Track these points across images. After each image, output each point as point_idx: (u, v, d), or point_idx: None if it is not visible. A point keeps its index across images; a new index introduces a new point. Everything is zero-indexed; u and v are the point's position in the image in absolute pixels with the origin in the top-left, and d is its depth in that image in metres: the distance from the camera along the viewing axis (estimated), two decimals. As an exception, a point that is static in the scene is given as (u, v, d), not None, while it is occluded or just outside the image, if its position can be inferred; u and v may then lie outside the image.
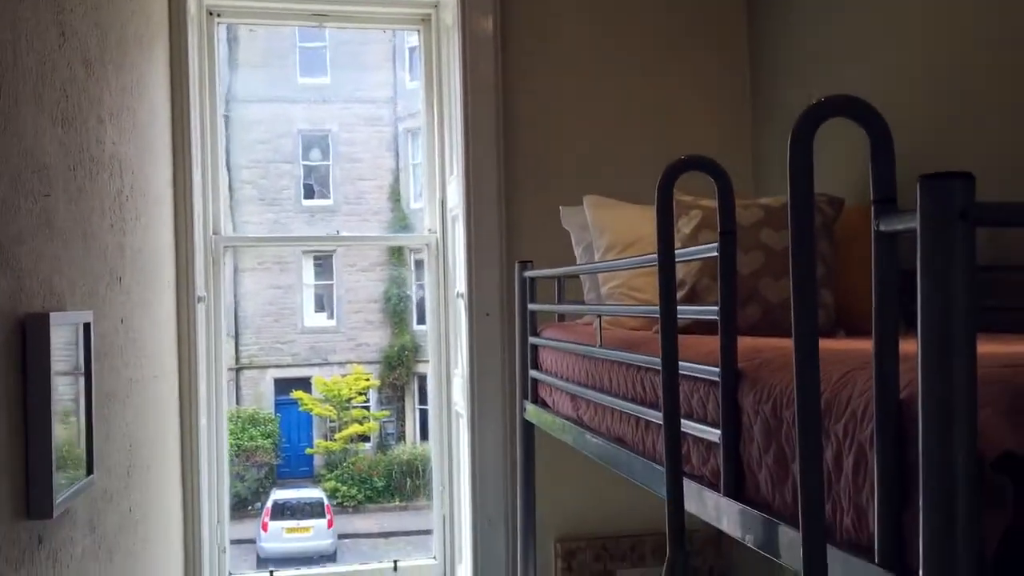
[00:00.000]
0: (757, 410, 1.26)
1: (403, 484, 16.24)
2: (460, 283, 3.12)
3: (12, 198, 1.34)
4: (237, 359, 17.75)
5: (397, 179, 18.59)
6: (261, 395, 18.13)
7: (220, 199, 3.24)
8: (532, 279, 2.52)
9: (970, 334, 0.85)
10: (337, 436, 17.15)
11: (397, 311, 18.34)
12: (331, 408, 17.43)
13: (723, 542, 3.14)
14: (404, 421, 18.18)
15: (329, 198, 18.74)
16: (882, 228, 0.97)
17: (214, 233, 3.15)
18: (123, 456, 2.00)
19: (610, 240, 2.37)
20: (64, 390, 1.46)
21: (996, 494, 0.88)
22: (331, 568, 4.72)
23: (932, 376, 0.86)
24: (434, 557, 3.43)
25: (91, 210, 1.79)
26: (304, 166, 18.71)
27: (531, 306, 2.50)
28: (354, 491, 16.19)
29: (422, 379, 17.29)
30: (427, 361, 3.59)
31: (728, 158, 1.33)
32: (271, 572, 3.30)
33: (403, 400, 18.20)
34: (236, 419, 16.23)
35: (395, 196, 18.63)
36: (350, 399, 17.52)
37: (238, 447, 15.76)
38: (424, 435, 16.78)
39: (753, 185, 3.11)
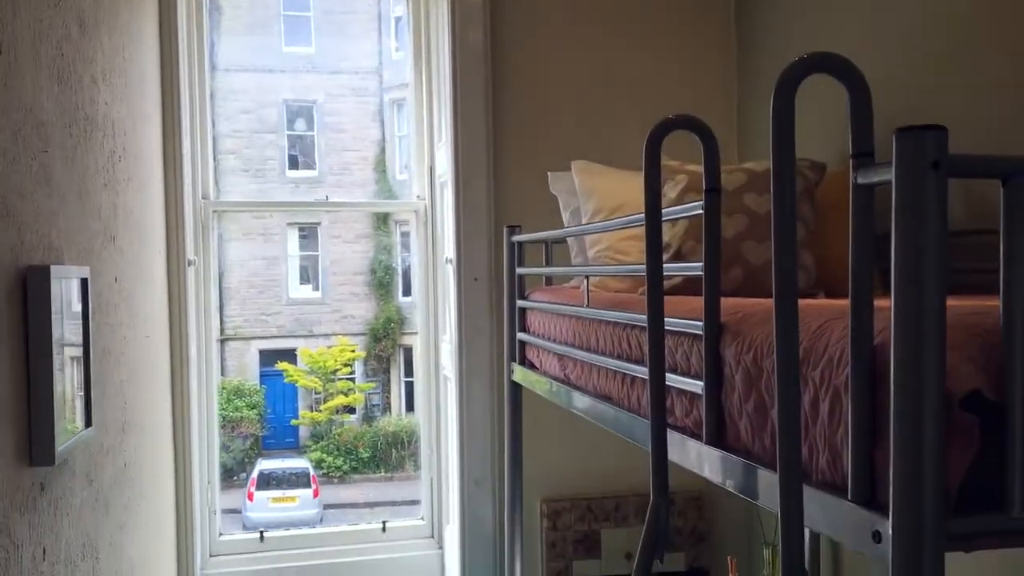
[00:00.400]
0: (739, 360, 1.31)
1: (388, 455, 16.34)
2: (449, 249, 3.16)
3: (13, 152, 1.36)
4: (222, 330, 17.74)
5: (383, 150, 18.52)
6: (246, 366, 18.13)
7: (209, 164, 3.25)
8: (520, 243, 2.56)
9: (941, 280, 0.90)
10: (322, 407, 17.21)
11: (383, 283, 18.35)
12: (316, 380, 17.47)
13: (704, 504, 3.22)
14: (390, 393, 18.25)
15: (314, 169, 18.66)
16: (860, 181, 1.02)
17: (203, 198, 3.17)
18: (118, 412, 2.03)
19: (597, 204, 2.40)
20: (66, 337, 1.50)
21: (963, 431, 0.94)
22: (320, 529, 4.77)
23: (904, 319, 0.91)
24: (422, 518, 3.49)
25: (86, 168, 1.81)
26: (289, 136, 18.61)
27: (519, 270, 2.54)
28: (340, 462, 16.28)
29: (408, 351, 17.35)
30: (413, 333, 3.63)
31: (713, 128, 1.36)
32: (261, 533, 3.35)
33: (388, 372, 18.26)
34: (221, 390, 16.24)
35: (380, 167, 18.57)
36: (335, 371, 17.56)
37: (223, 418, 15.77)
38: (410, 407, 16.87)
39: (737, 155, 3.15)
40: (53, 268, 1.40)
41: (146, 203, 2.47)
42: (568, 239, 2.66)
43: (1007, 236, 0.94)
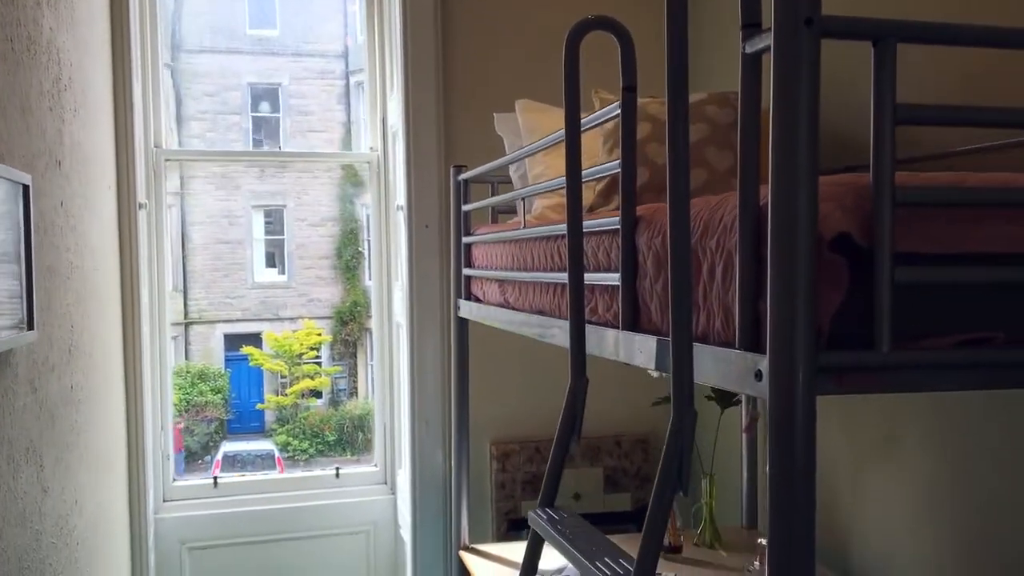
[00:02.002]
0: (650, 245, 1.39)
1: (355, 438, 16.34)
2: (400, 196, 3.21)
3: (-50, 46, 1.40)
4: (186, 314, 17.61)
5: (349, 132, 18.45)
6: (211, 351, 18.01)
7: (162, 112, 3.27)
8: (466, 181, 2.63)
9: (812, 132, 0.98)
10: (288, 391, 17.15)
11: (350, 266, 18.31)
12: (282, 363, 17.39)
13: (650, 447, 3.31)
14: (356, 377, 18.22)
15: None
16: (747, 50, 1.09)
17: (156, 146, 3.19)
18: (65, 333, 2.07)
19: (541, 142, 2.47)
20: (3, 237, 1.54)
21: (833, 271, 1.02)
22: (274, 475, 4.82)
23: (780, 169, 0.99)
24: (375, 465, 3.56)
25: (29, 86, 1.84)
26: (253, 118, 18.49)
27: (465, 207, 2.60)
28: (305, 445, 16.24)
29: (374, 335, 17.31)
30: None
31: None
32: (215, 479, 3.39)
33: (355, 356, 18.23)
34: (185, 374, 16.15)
35: (347, 149, 18.52)
36: (301, 354, 17.49)
37: (187, 402, 15.69)
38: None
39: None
40: (-8, 164, 1.45)
41: (95, 140, 2.50)
42: (513, 179, 2.72)
43: (876, 93, 1.02)
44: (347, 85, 18.62)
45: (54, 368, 1.96)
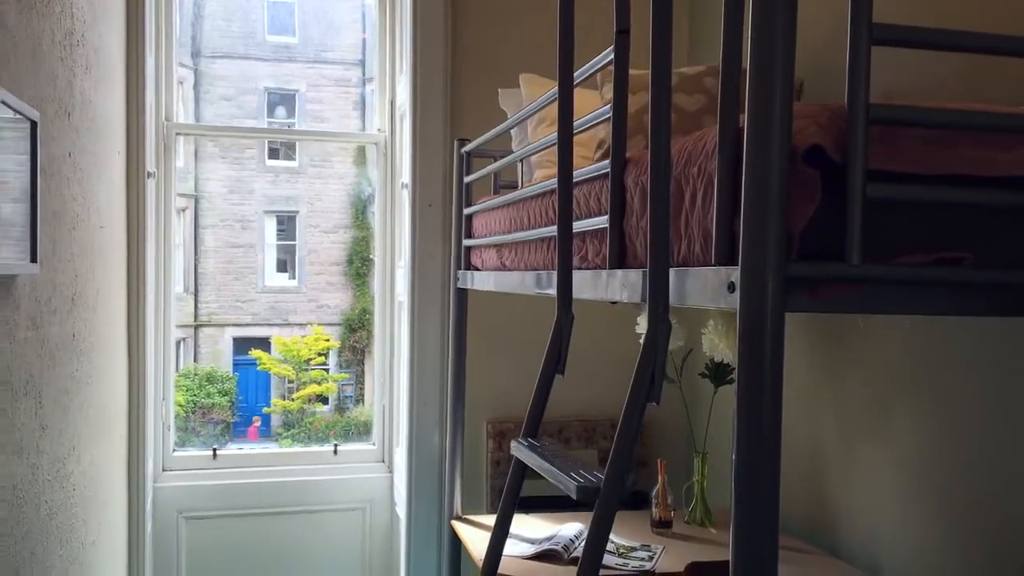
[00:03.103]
0: (637, 182, 1.42)
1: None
2: (405, 174, 3.25)
3: (-35, -26, 1.44)
4: (196, 316, 17.71)
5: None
6: (219, 353, 18.09)
7: (173, 88, 3.33)
8: (469, 154, 2.67)
9: (789, 47, 1.01)
10: (295, 396, 17.19)
11: (359, 273, 18.38)
12: (290, 368, 17.44)
13: (646, 433, 3.33)
14: (363, 384, 18.24)
15: (294, 159, 18.70)
16: (730, -25, 1.13)
17: (166, 119, 3.25)
18: (68, 280, 2.11)
19: (541, 113, 2.50)
20: (9, 168, 1.58)
21: (805, 183, 1.05)
22: (273, 449, 4.84)
23: (757, 83, 1.02)
24: (373, 443, 3.58)
25: (42, 33, 1.89)
26: (269, 123, 18.66)
27: (467, 178, 2.64)
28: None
29: (383, 344, 17.37)
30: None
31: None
32: (214, 450, 3.42)
33: (363, 363, 18.26)
34: (193, 376, 16.22)
35: (360, 159, 18.63)
36: (309, 360, 17.54)
37: (195, 404, 15.74)
38: (382, 396, 16.83)
39: (687, 60, 3.25)
40: (0, 94, 1.49)
41: (106, 102, 2.55)
42: (514, 149, 2.76)
43: (853, 11, 1.05)
44: (363, 93, 18.77)
45: (56, 311, 2.00)
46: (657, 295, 1.19)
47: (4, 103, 1.51)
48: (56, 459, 2.01)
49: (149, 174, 2.98)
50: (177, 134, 3.34)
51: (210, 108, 18.08)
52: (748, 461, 1.02)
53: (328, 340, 17.70)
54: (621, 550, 2.46)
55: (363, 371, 18.09)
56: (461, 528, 2.69)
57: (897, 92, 1.92)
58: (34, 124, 1.70)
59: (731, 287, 1.08)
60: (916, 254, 1.09)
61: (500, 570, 2.22)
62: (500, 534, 1.70)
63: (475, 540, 2.58)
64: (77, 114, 2.19)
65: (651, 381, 1.19)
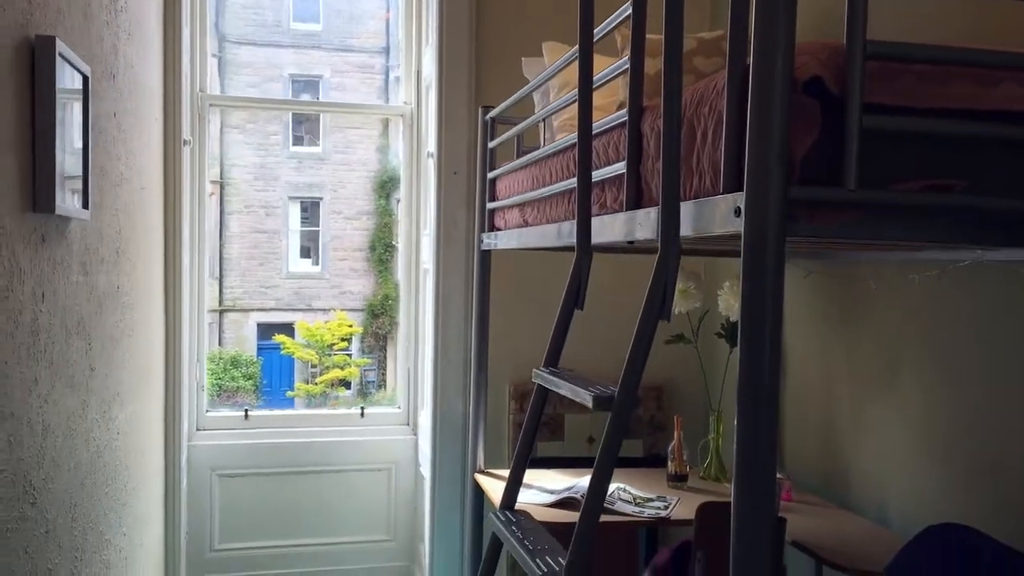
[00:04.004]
0: (652, 127, 1.51)
1: (382, 428, 16.45)
2: (431, 143, 3.35)
3: (26, -67, 1.55)
4: (221, 301, 17.93)
5: (387, 128, 18.70)
6: (244, 339, 18.30)
7: (208, 62, 3.44)
8: (493, 120, 2.76)
9: None
10: (318, 380, 17.36)
11: (382, 260, 18.52)
12: (313, 353, 17.63)
13: (663, 396, 3.41)
14: (385, 369, 18.39)
15: (318, 146, 18.86)
16: (738, -77, 1.21)
17: (200, 91, 3.37)
18: (113, 234, 2.23)
19: (563, 79, 2.59)
20: (68, 118, 1.69)
21: (806, 112, 1.13)
22: (301, 411, 4.97)
23: (763, 24, 1.10)
24: (398, 407, 3.69)
25: (90, -3, 2.00)
26: (293, 112, 18.82)
27: (491, 143, 2.74)
28: (332, 431, 16.38)
29: (405, 330, 17.54)
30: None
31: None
32: (246, 411, 3.54)
33: (385, 349, 18.41)
34: (218, 360, 16.44)
35: (384, 147, 18.75)
36: (332, 345, 17.71)
37: (220, 387, 15.96)
38: (405, 382, 17.00)
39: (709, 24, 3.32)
40: (59, 44, 1.60)
41: (146, 69, 2.67)
42: (539, 124, 2.84)
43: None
44: (387, 80, 18.88)
45: (103, 261, 2.12)
46: (671, 219, 1.28)
47: (61, 55, 1.62)
48: (103, 401, 2.13)
49: (185, 141, 3.10)
50: (211, 105, 3.46)
51: (235, 93, 18.24)
52: (750, 369, 1.11)
53: (351, 326, 17.86)
54: (638, 500, 2.56)
55: (385, 357, 18.24)
56: (484, 480, 2.80)
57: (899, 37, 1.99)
58: (86, 78, 1.81)
59: (737, 211, 1.17)
60: (909, 182, 1.17)
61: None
62: (524, 452, 1.80)
63: (497, 490, 2.68)
64: (121, 77, 2.30)
65: (662, 299, 1.28)
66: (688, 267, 2.84)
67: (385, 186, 18.49)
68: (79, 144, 1.78)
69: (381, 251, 18.30)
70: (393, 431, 3.63)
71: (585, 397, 1.40)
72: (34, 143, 1.55)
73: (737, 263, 1.32)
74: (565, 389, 1.53)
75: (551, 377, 1.65)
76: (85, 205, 1.82)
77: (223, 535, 3.43)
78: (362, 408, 3.65)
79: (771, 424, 1.13)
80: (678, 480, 2.74)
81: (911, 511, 2.30)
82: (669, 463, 2.79)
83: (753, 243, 1.13)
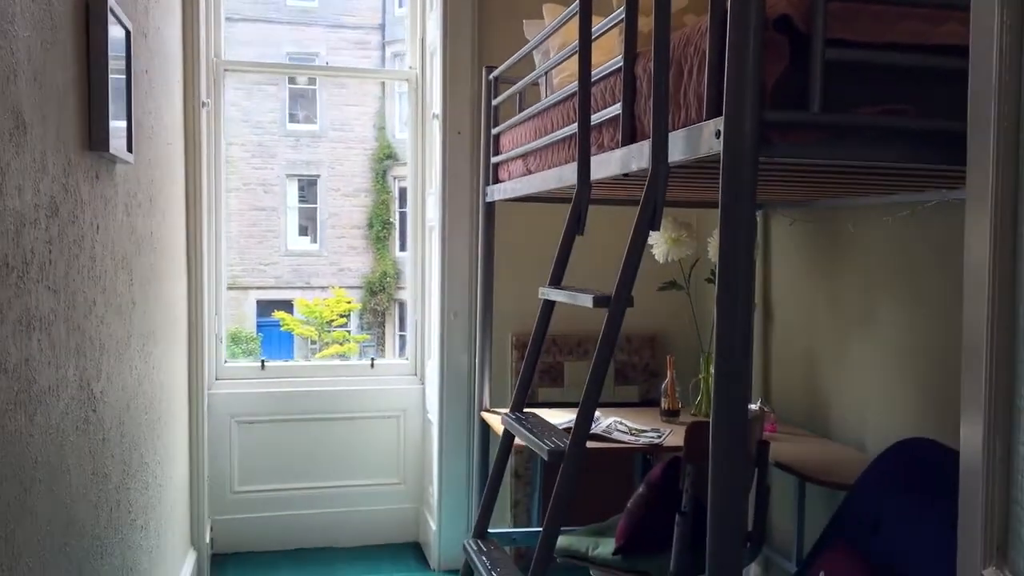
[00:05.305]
0: (645, 69, 1.69)
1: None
2: (436, 105, 3.52)
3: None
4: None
5: (383, 106, 18.80)
6: (244, 316, 18.46)
7: (221, 27, 3.61)
8: (496, 79, 2.94)
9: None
10: (317, 356, 17.53)
11: (380, 237, 18.65)
12: (312, 329, 17.78)
13: (656, 344, 3.61)
14: (384, 346, 18.57)
15: (315, 123, 18.96)
16: None
17: (215, 56, 3.53)
18: (147, 182, 2.41)
19: (562, 39, 2.76)
20: (118, 67, 1.86)
21: (775, 45, 1.31)
22: (315, 362, 5.17)
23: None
24: (406, 358, 3.89)
25: (127, -41, 2.16)
26: (290, 89, 18.92)
27: (495, 101, 2.92)
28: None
29: (403, 306, 17.75)
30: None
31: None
32: (262, 361, 3.74)
33: (383, 326, 18.60)
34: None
35: (380, 123, 18.84)
36: (331, 321, 17.87)
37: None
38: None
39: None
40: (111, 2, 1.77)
41: (169, 34, 2.83)
42: (540, 82, 3.02)
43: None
44: (383, 56, 18.95)
45: (140, 206, 2.30)
46: (660, 141, 1.47)
47: (111, 11, 1.79)
48: (141, 335, 2.32)
49: (203, 103, 3.27)
50: (225, 70, 3.62)
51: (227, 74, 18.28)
52: (729, 255, 1.30)
53: (350, 302, 18.02)
54: (633, 431, 2.76)
55: (383, 333, 18.44)
56: (489, 417, 2.99)
57: None
58: (128, 33, 1.98)
59: (718, 134, 1.35)
60: (867, 107, 1.35)
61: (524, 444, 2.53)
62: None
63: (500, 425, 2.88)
64: (151, 37, 2.47)
65: (652, 212, 1.47)
66: (680, 217, 3.03)
67: (383, 163, 18.62)
68: (124, 93, 1.96)
69: (379, 228, 18.44)
70: (401, 381, 3.82)
71: (584, 299, 1.59)
72: (90, 86, 1.73)
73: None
74: (566, 296, 1.73)
75: (554, 291, 1.84)
76: (130, 148, 2.00)
77: (242, 478, 3.63)
78: (372, 359, 3.84)
79: (747, 308, 1.32)
80: (671, 415, 2.95)
81: (888, 438, 2.50)
82: (662, 400, 2.99)
83: (731, 162, 1.32)
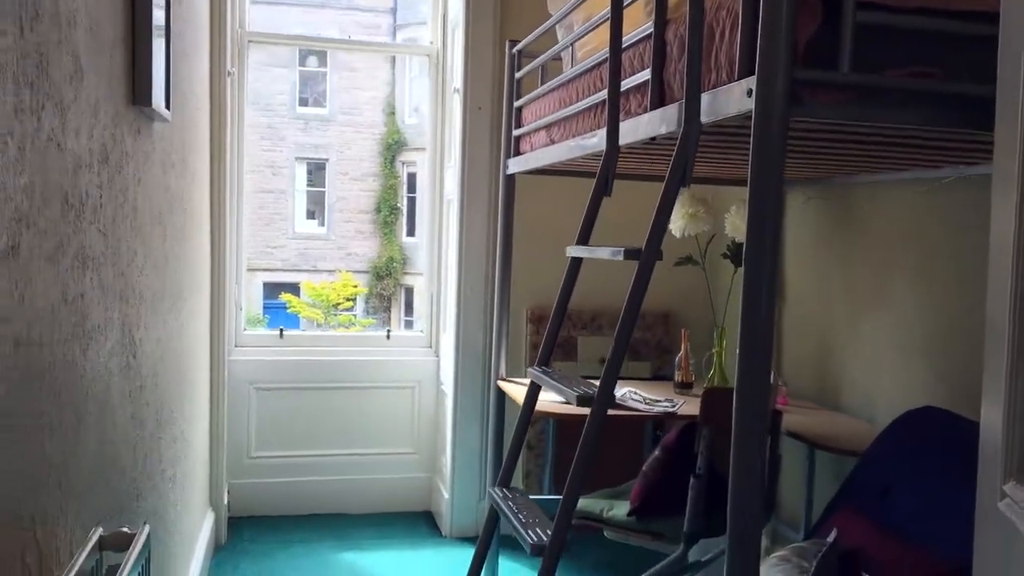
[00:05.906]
0: (676, 35, 1.73)
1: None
2: (457, 80, 3.57)
3: None
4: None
5: (393, 91, 18.82)
6: (251, 297, 18.52)
7: (246, 1, 3.65)
8: (520, 52, 2.98)
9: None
10: (324, 338, 17.54)
11: (387, 222, 18.69)
12: (319, 312, 17.84)
13: (670, 320, 3.67)
14: (390, 330, 18.57)
15: (324, 106, 18.98)
16: None
17: (239, 27, 3.58)
18: (179, 144, 2.46)
19: (586, 12, 2.80)
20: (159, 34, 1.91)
21: (809, 8, 1.36)
22: (332, 332, 5.23)
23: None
24: (421, 330, 3.94)
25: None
26: (300, 72, 18.96)
27: (518, 74, 2.96)
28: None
29: (409, 292, 17.84)
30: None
31: None
32: (281, 330, 3.80)
33: (389, 311, 18.66)
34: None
35: (390, 109, 18.86)
36: (337, 304, 17.93)
37: (227, 345, 16.21)
38: (408, 336, 17.25)
39: None
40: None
41: (196, 4, 2.88)
42: (563, 56, 3.06)
43: None
44: (394, 39, 18.96)
45: (174, 166, 2.35)
46: (691, 103, 1.52)
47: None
48: (173, 292, 2.37)
49: (228, 72, 3.32)
50: (249, 41, 3.67)
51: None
52: (758, 206, 1.35)
53: (356, 286, 18.08)
54: (648, 400, 2.81)
55: (390, 317, 18.50)
56: (505, 385, 3.05)
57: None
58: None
59: (750, 92, 1.40)
60: (894, 70, 1.40)
61: (543, 410, 2.59)
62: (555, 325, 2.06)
63: (516, 393, 2.94)
64: (184, 5, 2.52)
65: (683, 170, 1.52)
66: (698, 194, 3.08)
67: (391, 148, 18.65)
68: (163, 52, 2.01)
69: (386, 213, 18.49)
70: (416, 352, 3.88)
71: (617, 253, 1.64)
72: (135, 41, 1.78)
73: (742, 191, 1.55)
74: (594, 252, 1.78)
75: (582, 248, 1.89)
76: (167, 105, 2.05)
77: (259, 443, 3.70)
78: (388, 331, 3.90)
79: (773, 267, 1.37)
80: (684, 387, 3.00)
81: (898, 412, 2.54)
82: (676, 372, 3.04)
83: (763, 121, 1.36)
